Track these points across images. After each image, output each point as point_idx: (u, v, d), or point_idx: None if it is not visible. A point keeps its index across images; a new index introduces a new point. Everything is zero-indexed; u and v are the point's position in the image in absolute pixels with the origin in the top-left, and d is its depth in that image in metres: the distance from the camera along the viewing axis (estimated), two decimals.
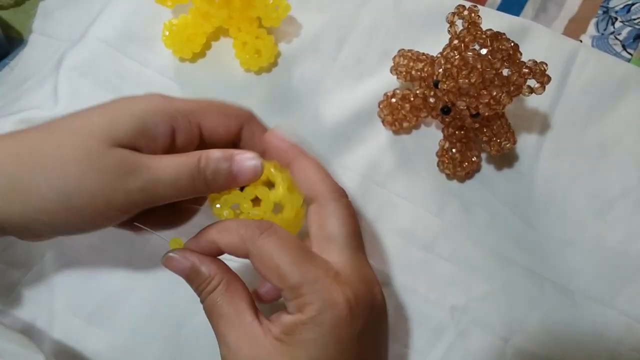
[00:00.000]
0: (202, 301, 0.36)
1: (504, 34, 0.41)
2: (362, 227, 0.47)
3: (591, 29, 0.55)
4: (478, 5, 0.44)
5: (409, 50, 0.49)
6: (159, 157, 0.36)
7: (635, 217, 0.48)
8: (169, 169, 0.35)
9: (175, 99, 0.38)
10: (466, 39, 0.41)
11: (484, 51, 0.40)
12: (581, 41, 0.54)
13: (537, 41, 0.52)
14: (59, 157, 0.34)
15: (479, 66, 0.39)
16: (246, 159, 0.37)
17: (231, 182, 0.37)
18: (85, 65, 0.52)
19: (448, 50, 0.42)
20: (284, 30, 0.53)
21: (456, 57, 0.40)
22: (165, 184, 0.35)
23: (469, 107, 0.41)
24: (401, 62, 0.48)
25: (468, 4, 0.43)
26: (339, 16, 0.54)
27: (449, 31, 0.43)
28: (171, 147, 0.37)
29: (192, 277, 0.36)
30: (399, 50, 0.49)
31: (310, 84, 0.52)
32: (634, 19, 0.55)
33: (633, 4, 0.55)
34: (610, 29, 0.55)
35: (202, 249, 0.37)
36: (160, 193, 0.35)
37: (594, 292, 0.46)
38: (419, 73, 0.47)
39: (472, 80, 0.39)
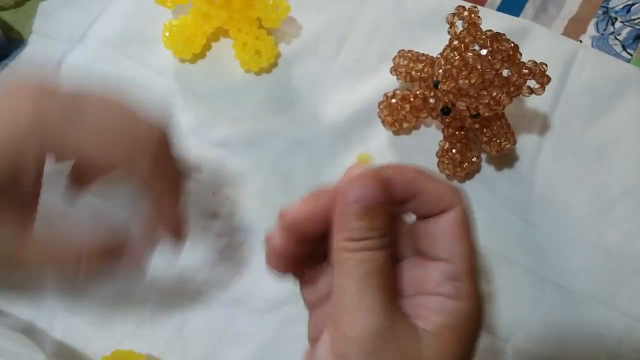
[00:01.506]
0: (355, 250, 0.29)
1: (503, 34, 0.42)
2: None
3: (591, 29, 0.55)
4: (478, 6, 0.44)
5: (409, 51, 0.49)
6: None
7: (636, 217, 0.48)
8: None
9: (49, 113, 0.34)
10: (466, 40, 0.41)
11: (483, 52, 0.40)
12: (581, 41, 0.54)
13: (537, 42, 0.52)
14: None
15: (479, 67, 0.39)
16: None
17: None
18: (86, 65, 0.52)
19: (448, 51, 0.42)
20: (284, 31, 0.53)
21: (456, 57, 0.40)
22: None
23: (469, 107, 0.41)
24: (401, 63, 0.48)
25: (468, 5, 0.43)
26: (338, 17, 0.54)
27: (448, 32, 0.43)
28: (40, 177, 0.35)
29: (372, 214, 0.28)
30: (399, 51, 0.49)
31: (310, 85, 0.52)
32: (634, 19, 0.55)
33: (633, 4, 0.55)
34: (610, 29, 0.55)
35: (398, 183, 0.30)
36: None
37: (594, 292, 0.46)
38: (418, 74, 0.47)
39: (472, 81, 0.40)
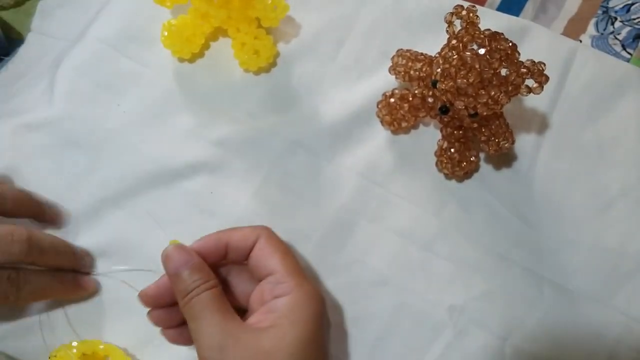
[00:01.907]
0: (193, 296, 0.38)
1: (502, 34, 0.41)
2: (360, 227, 0.48)
3: (591, 29, 0.55)
4: (476, 6, 0.44)
5: (408, 50, 0.49)
6: None
7: (634, 217, 0.48)
8: None
9: None
10: (464, 39, 0.41)
11: (482, 51, 0.40)
12: (581, 41, 0.54)
13: (536, 41, 0.52)
14: None
15: (477, 66, 0.39)
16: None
17: None
18: (85, 65, 0.52)
19: (446, 50, 0.42)
20: (283, 31, 0.53)
21: (454, 57, 0.40)
22: None
23: (467, 107, 0.41)
24: (399, 62, 0.48)
25: (467, 4, 0.43)
26: (338, 16, 0.54)
27: (447, 31, 0.43)
28: None
29: (194, 271, 0.39)
30: (398, 50, 0.49)
31: (309, 84, 0.52)
32: (634, 19, 0.55)
33: (632, 4, 0.55)
34: (610, 28, 0.55)
35: (206, 249, 0.41)
36: None
37: (592, 292, 0.46)
38: (417, 73, 0.47)
39: (470, 80, 0.39)
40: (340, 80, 0.52)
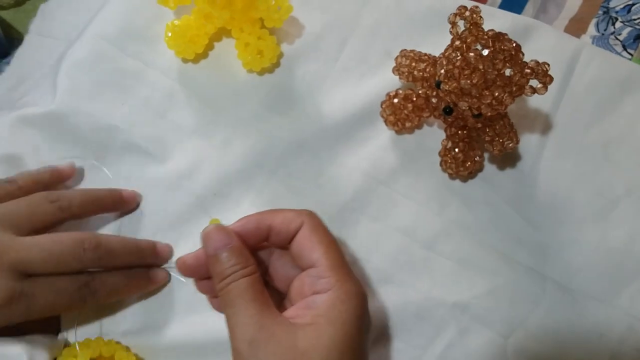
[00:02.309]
0: (229, 282, 0.37)
1: (506, 34, 0.41)
2: (363, 226, 0.48)
3: (591, 29, 0.55)
4: (480, 5, 0.44)
5: (411, 51, 0.49)
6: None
7: (639, 217, 0.48)
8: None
9: None
10: (468, 40, 0.41)
11: (485, 52, 0.40)
12: None
13: (541, 40, 0.52)
14: None
15: (480, 67, 0.39)
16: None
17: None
18: (86, 62, 0.52)
19: (450, 50, 0.42)
20: (286, 31, 0.53)
21: (458, 57, 0.40)
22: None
23: (471, 107, 0.41)
24: (403, 63, 0.48)
25: (471, 4, 0.43)
26: (340, 16, 0.54)
27: (450, 32, 0.43)
28: None
29: (233, 254, 0.37)
30: (401, 51, 0.49)
31: (312, 85, 0.52)
32: (634, 19, 0.54)
33: (633, 4, 0.55)
34: (611, 29, 0.55)
35: (246, 230, 0.39)
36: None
37: (595, 291, 0.46)
38: (421, 73, 0.47)
39: (474, 81, 0.39)
40: (344, 80, 0.52)
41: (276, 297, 0.41)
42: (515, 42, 0.41)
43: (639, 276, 0.46)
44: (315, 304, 0.36)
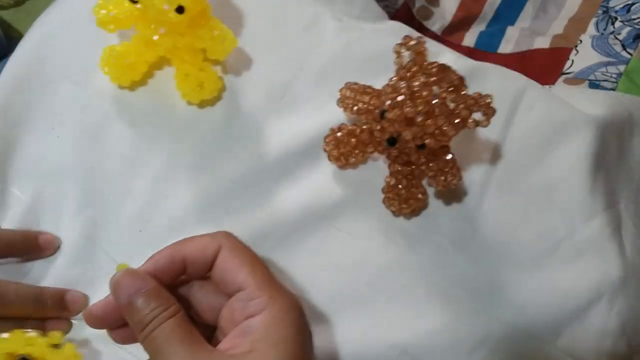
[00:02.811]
0: (152, 328, 0.33)
1: (450, 66, 0.41)
2: (303, 260, 0.47)
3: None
4: (427, 43, 0.43)
5: (355, 83, 0.48)
6: None
7: (580, 260, 0.47)
8: None
9: None
10: (413, 69, 0.40)
11: (431, 79, 0.40)
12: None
13: (486, 79, 0.52)
14: None
15: (425, 94, 0.39)
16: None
17: None
18: (17, 81, 0.51)
19: (395, 79, 0.41)
20: (231, 64, 0.52)
21: (403, 86, 0.40)
22: None
23: (415, 137, 0.40)
24: (347, 95, 0.47)
25: (416, 35, 0.43)
26: (289, 54, 0.53)
27: (395, 62, 0.43)
28: None
29: (150, 299, 0.34)
30: (346, 83, 0.48)
31: (255, 120, 0.50)
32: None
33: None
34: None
35: (159, 268, 0.36)
36: None
37: (538, 331, 0.45)
38: (365, 106, 0.46)
39: (419, 109, 0.39)
40: (288, 116, 0.51)
41: (206, 331, 0.37)
42: (459, 74, 0.41)
43: (579, 317, 0.45)
44: (251, 328, 0.34)
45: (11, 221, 0.47)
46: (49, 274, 0.47)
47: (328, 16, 0.53)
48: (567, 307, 0.46)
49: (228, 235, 0.37)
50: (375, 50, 0.53)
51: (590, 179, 0.48)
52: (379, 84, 0.48)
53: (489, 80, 0.52)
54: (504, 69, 0.54)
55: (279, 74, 0.52)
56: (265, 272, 0.36)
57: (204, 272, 0.36)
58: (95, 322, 0.36)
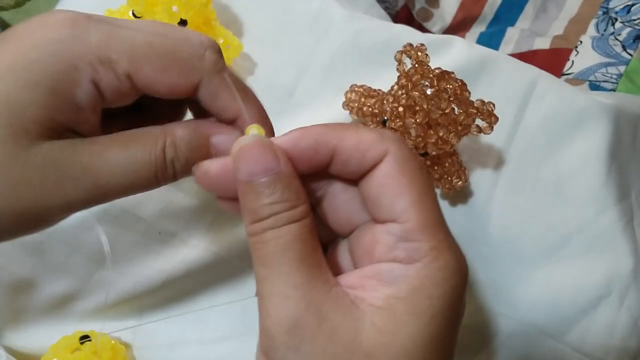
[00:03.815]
0: (267, 227, 0.25)
1: (452, 72, 0.41)
2: None
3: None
4: (436, 34, 0.43)
5: (361, 86, 0.48)
6: (100, 149, 0.27)
7: (591, 253, 0.48)
8: (119, 168, 0.27)
9: (88, 31, 0.27)
10: (414, 78, 0.41)
11: (429, 91, 0.40)
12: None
13: (496, 72, 0.51)
14: None
15: (425, 106, 0.39)
16: (227, 137, 0.29)
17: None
18: None
19: (396, 88, 0.42)
20: (239, 66, 0.53)
21: (403, 96, 0.40)
22: (118, 189, 0.27)
23: (417, 146, 0.41)
24: (352, 98, 0.48)
25: (417, 37, 0.43)
26: (295, 53, 0.54)
27: (397, 69, 0.43)
28: (99, 107, 0.28)
29: (277, 186, 0.25)
30: (351, 86, 0.49)
31: None
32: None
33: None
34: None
35: (299, 150, 0.26)
36: (111, 196, 0.27)
37: (547, 328, 0.46)
38: (370, 109, 0.47)
39: (419, 120, 0.39)
40: (297, 116, 0.51)
41: (323, 236, 0.29)
42: (460, 80, 0.41)
43: (589, 313, 0.46)
44: (394, 278, 0.25)
45: None
46: None
47: (336, 6, 0.53)
48: (577, 303, 0.46)
49: (401, 141, 0.27)
50: (385, 40, 0.53)
51: (605, 170, 0.49)
52: (388, 74, 0.48)
53: (500, 71, 0.52)
54: (515, 60, 0.53)
55: (286, 73, 0.53)
56: (435, 208, 0.26)
57: (353, 176, 0.27)
58: (207, 182, 0.27)
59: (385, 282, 0.25)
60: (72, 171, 0.26)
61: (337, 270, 0.27)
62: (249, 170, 0.25)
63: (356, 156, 0.26)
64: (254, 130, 0.27)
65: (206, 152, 0.28)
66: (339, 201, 0.28)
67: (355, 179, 0.27)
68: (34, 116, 0.25)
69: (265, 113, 0.31)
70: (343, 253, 0.29)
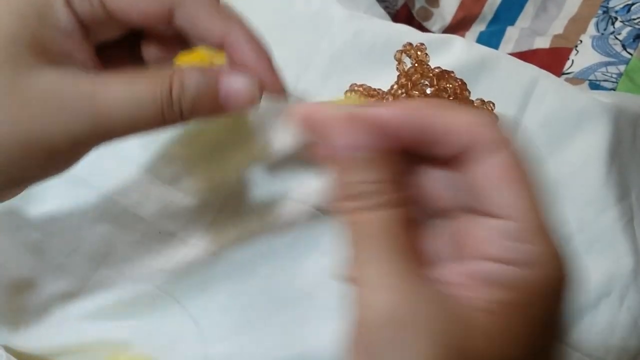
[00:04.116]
0: (362, 209, 0.23)
1: (451, 72, 0.41)
2: (312, 260, 0.47)
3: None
4: (435, 33, 0.44)
5: (361, 85, 0.48)
6: (104, 81, 0.27)
7: (591, 253, 0.47)
8: (124, 101, 0.26)
9: None
10: (413, 77, 0.41)
11: (429, 91, 0.40)
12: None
13: (496, 72, 0.51)
14: None
15: None
16: (238, 81, 0.29)
17: (216, 111, 0.29)
18: None
19: (396, 87, 0.42)
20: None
21: (403, 95, 0.40)
22: (123, 124, 0.27)
23: None
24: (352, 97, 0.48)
25: (417, 36, 0.43)
26: (295, 51, 0.54)
27: (397, 69, 0.43)
28: (85, 34, 0.28)
29: (374, 165, 0.23)
30: (350, 85, 0.49)
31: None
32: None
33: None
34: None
35: (399, 126, 0.24)
36: (115, 131, 0.27)
37: None
38: None
39: None
40: None
41: None
42: (460, 79, 0.41)
43: (588, 312, 0.46)
44: (507, 282, 0.22)
45: None
46: None
47: (336, 6, 0.53)
48: (577, 302, 0.46)
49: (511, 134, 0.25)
50: (385, 39, 0.52)
51: (605, 170, 0.48)
52: (388, 73, 0.48)
53: (500, 70, 0.51)
54: (515, 59, 0.53)
55: (285, 73, 0.52)
56: (542, 208, 0.24)
57: (446, 161, 0.25)
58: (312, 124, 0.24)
59: (488, 283, 0.22)
60: (73, 101, 0.26)
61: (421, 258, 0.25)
62: (345, 142, 0.23)
63: (455, 139, 0.24)
64: (349, 99, 0.24)
65: (214, 94, 0.28)
66: (432, 181, 0.26)
67: (448, 167, 0.25)
68: (26, 41, 0.26)
69: (252, 30, 0.31)
70: (429, 238, 0.26)
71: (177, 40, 0.32)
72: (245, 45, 0.30)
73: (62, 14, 0.27)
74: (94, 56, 0.29)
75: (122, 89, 0.27)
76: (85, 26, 0.28)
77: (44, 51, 0.26)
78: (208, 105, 0.28)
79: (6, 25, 0.26)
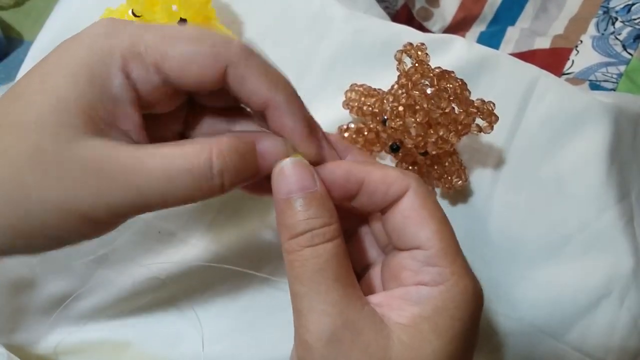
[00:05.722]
0: (305, 245, 0.27)
1: (452, 71, 0.41)
2: None
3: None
4: (436, 34, 0.43)
5: (361, 85, 0.48)
6: (142, 154, 0.27)
7: (592, 252, 0.47)
8: (160, 174, 0.26)
9: (124, 27, 0.28)
10: (414, 77, 0.41)
11: (429, 90, 0.40)
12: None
13: (497, 71, 0.51)
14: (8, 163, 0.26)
15: (425, 106, 0.39)
16: (275, 147, 0.30)
17: (255, 175, 0.29)
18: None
19: (396, 87, 0.42)
20: None
21: (403, 95, 0.40)
22: (158, 195, 0.27)
23: (417, 146, 0.41)
24: (352, 97, 0.48)
25: (418, 37, 0.43)
26: (296, 51, 0.54)
27: (397, 69, 0.43)
28: (137, 103, 0.28)
29: (312, 204, 0.27)
30: (351, 85, 0.49)
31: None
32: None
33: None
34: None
35: (331, 180, 0.29)
36: (152, 204, 0.27)
37: (547, 327, 0.46)
38: (370, 108, 0.47)
39: (419, 120, 0.39)
40: None
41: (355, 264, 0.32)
42: (460, 79, 0.41)
43: (589, 312, 0.46)
44: (420, 299, 0.27)
45: None
46: None
47: (336, 6, 0.53)
48: (577, 302, 0.46)
49: (419, 179, 0.30)
50: (385, 39, 0.53)
51: (605, 169, 0.48)
52: (388, 73, 0.48)
53: (500, 70, 0.51)
54: (515, 59, 0.53)
55: (287, 70, 0.52)
56: (453, 237, 0.30)
57: (377, 209, 0.30)
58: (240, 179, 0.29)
59: (412, 302, 0.27)
60: (113, 173, 0.26)
61: (366, 292, 0.29)
62: (287, 188, 0.28)
63: (381, 189, 0.29)
64: (296, 156, 0.30)
65: (254, 160, 0.29)
66: (361, 233, 0.32)
67: (376, 212, 0.31)
68: (77, 107, 0.26)
69: (296, 95, 0.32)
70: (372, 278, 0.32)
71: (223, 114, 0.33)
72: (285, 112, 0.31)
73: (117, 80, 0.27)
74: (140, 126, 0.29)
75: (159, 161, 0.26)
76: (138, 94, 0.28)
77: (92, 120, 0.26)
78: (247, 176, 0.29)
79: (60, 89, 0.26)
